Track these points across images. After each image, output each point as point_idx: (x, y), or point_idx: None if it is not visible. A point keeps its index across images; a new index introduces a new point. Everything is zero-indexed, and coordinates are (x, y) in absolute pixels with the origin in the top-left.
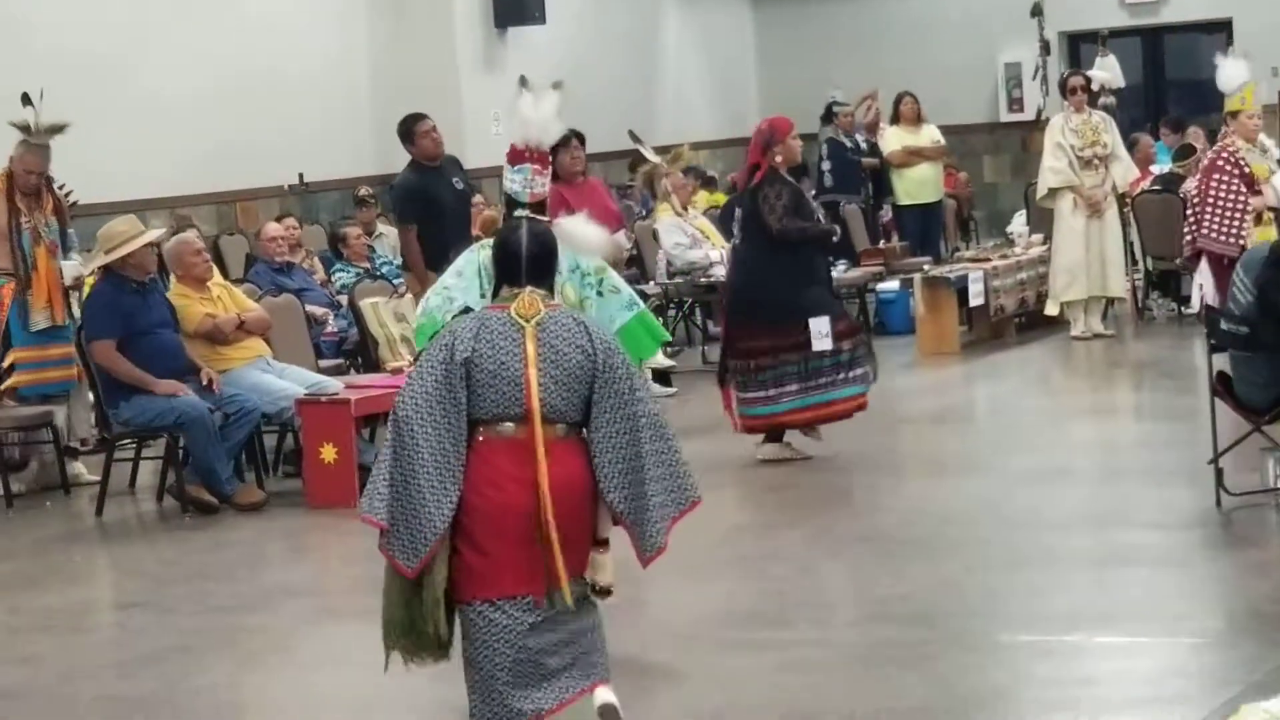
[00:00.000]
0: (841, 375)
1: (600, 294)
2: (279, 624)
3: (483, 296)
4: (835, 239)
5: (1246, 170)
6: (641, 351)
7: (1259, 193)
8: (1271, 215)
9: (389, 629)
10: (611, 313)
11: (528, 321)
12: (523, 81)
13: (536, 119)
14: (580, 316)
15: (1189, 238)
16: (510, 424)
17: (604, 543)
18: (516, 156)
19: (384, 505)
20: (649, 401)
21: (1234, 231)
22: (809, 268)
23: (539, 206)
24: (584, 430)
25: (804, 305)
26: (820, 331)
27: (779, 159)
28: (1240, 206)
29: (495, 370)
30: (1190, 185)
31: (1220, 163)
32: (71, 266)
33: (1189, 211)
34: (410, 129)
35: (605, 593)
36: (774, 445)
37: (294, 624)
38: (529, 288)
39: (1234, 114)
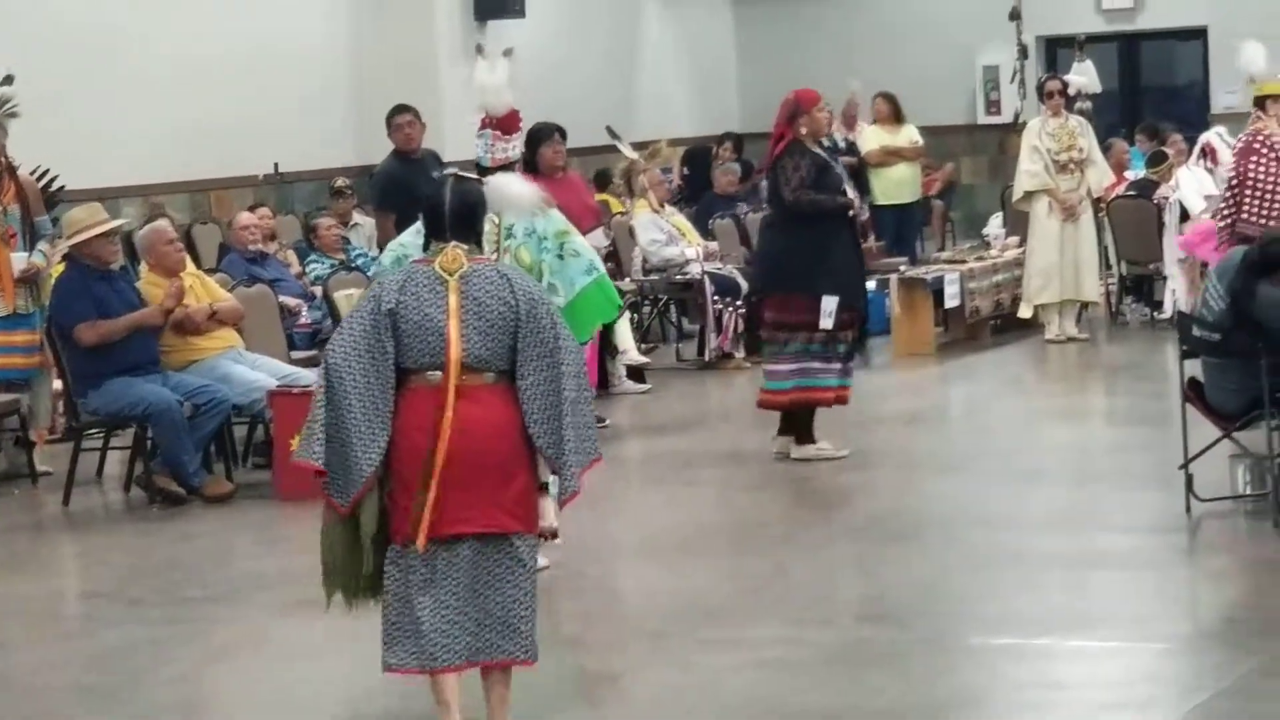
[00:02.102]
0: (835, 364)
1: (561, 257)
2: (248, 616)
3: None
4: (853, 212)
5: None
6: (601, 316)
7: None
8: None
9: (329, 572)
10: (571, 276)
11: (451, 275)
12: (478, 49)
13: (490, 84)
14: (505, 269)
15: (1227, 221)
16: (437, 372)
17: (543, 488)
18: (481, 123)
19: (320, 448)
20: (573, 351)
21: (1273, 215)
22: (826, 244)
23: (504, 171)
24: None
25: (815, 280)
26: (828, 310)
27: (804, 130)
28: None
29: (420, 321)
30: (1220, 169)
31: (1257, 145)
32: (20, 258)
33: (1227, 194)
34: (389, 119)
35: (551, 536)
36: (808, 446)
37: (263, 616)
38: (453, 242)
39: (1270, 98)
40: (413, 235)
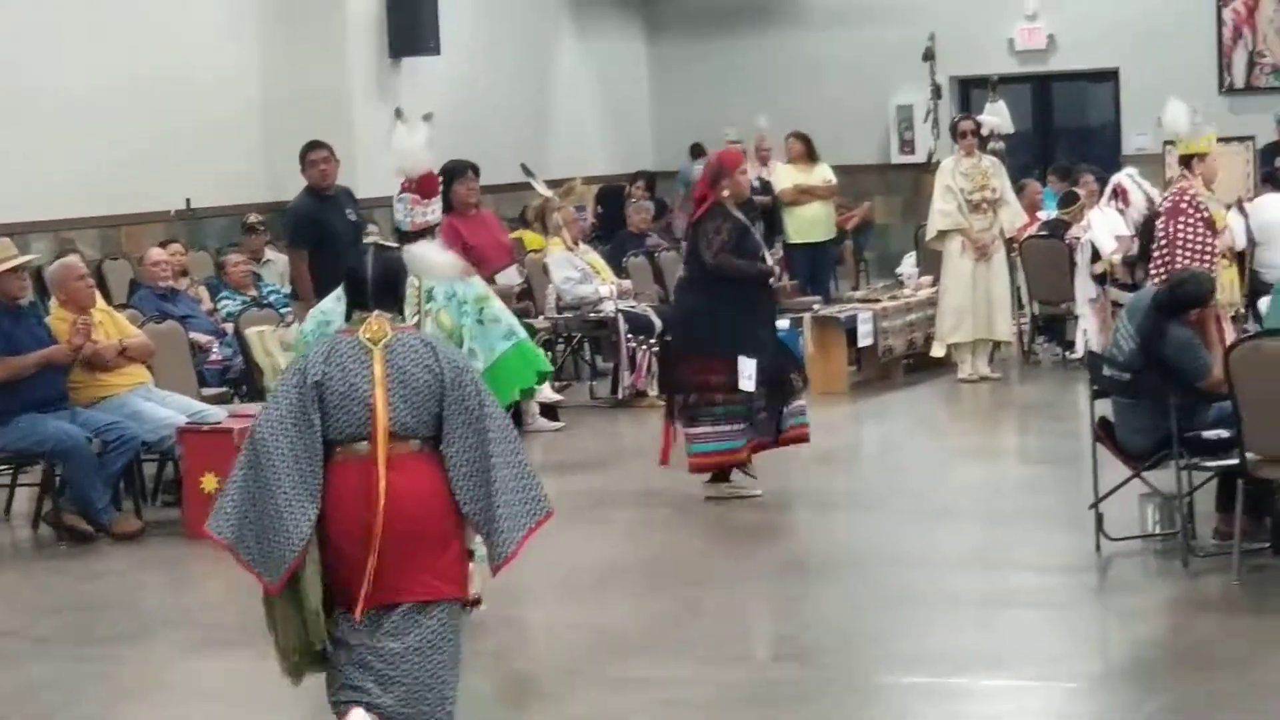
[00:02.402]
0: (741, 425)
1: (480, 322)
2: (156, 655)
3: None
4: (773, 279)
5: (1206, 214)
6: (519, 381)
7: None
8: (1228, 258)
9: (285, 654)
10: (491, 341)
11: (375, 344)
12: (398, 113)
13: (409, 148)
14: (428, 338)
15: (1161, 279)
16: (364, 443)
17: (470, 554)
18: (401, 187)
19: (229, 524)
20: (499, 417)
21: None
22: (746, 306)
23: (422, 236)
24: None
25: (735, 342)
26: (746, 373)
27: (725, 193)
28: (1209, 248)
29: (346, 392)
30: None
31: (1184, 204)
32: None
33: (1156, 253)
34: (303, 156)
35: (475, 603)
36: (721, 484)
37: (172, 654)
38: (376, 311)
39: (1197, 156)
40: (334, 302)
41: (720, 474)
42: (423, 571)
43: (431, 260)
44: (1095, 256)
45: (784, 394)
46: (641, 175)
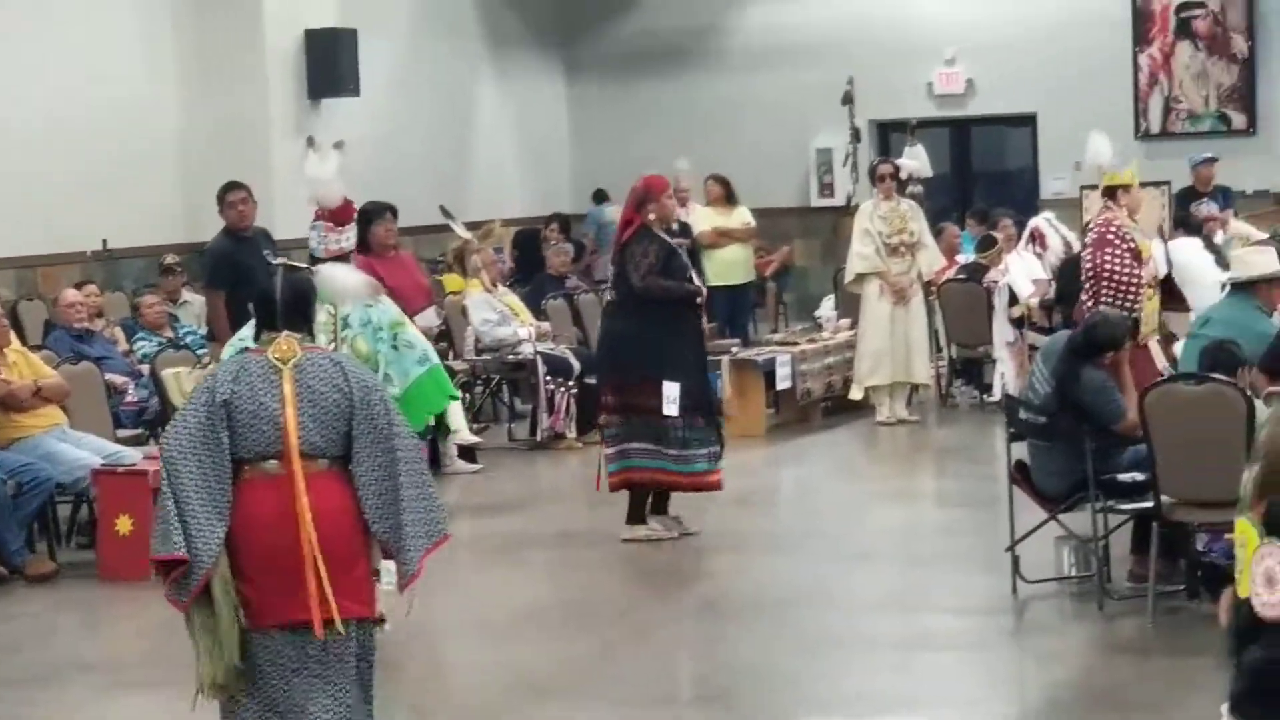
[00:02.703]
0: (692, 451)
1: (395, 348)
2: (69, 698)
3: None
4: (700, 300)
5: (1133, 244)
6: (432, 406)
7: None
8: (1153, 288)
9: (206, 675)
10: (406, 366)
11: (285, 364)
12: (310, 142)
13: (321, 177)
14: (338, 358)
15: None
16: (273, 461)
17: (375, 573)
18: (315, 214)
19: (180, 538)
20: (407, 437)
21: (1130, 305)
22: (674, 329)
23: (336, 263)
24: (348, 464)
25: (661, 367)
26: (670, 397)
27: (652, 216)
28: (1135, 280)
29: (255, 411)
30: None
31: (1111, 235)
32: None
33: (1087, 284)
34: (221, 196)
35: (380, 622)
36: (639, 527)
37: (85, 698)
38: (285, 332)
39: (1120, 189)
40: (250, 329)
41: (638, 516)
42: (333, 592)
43: (341, 281)
44: (1013, 300)
45: (709, 422)
46: (556, 217)
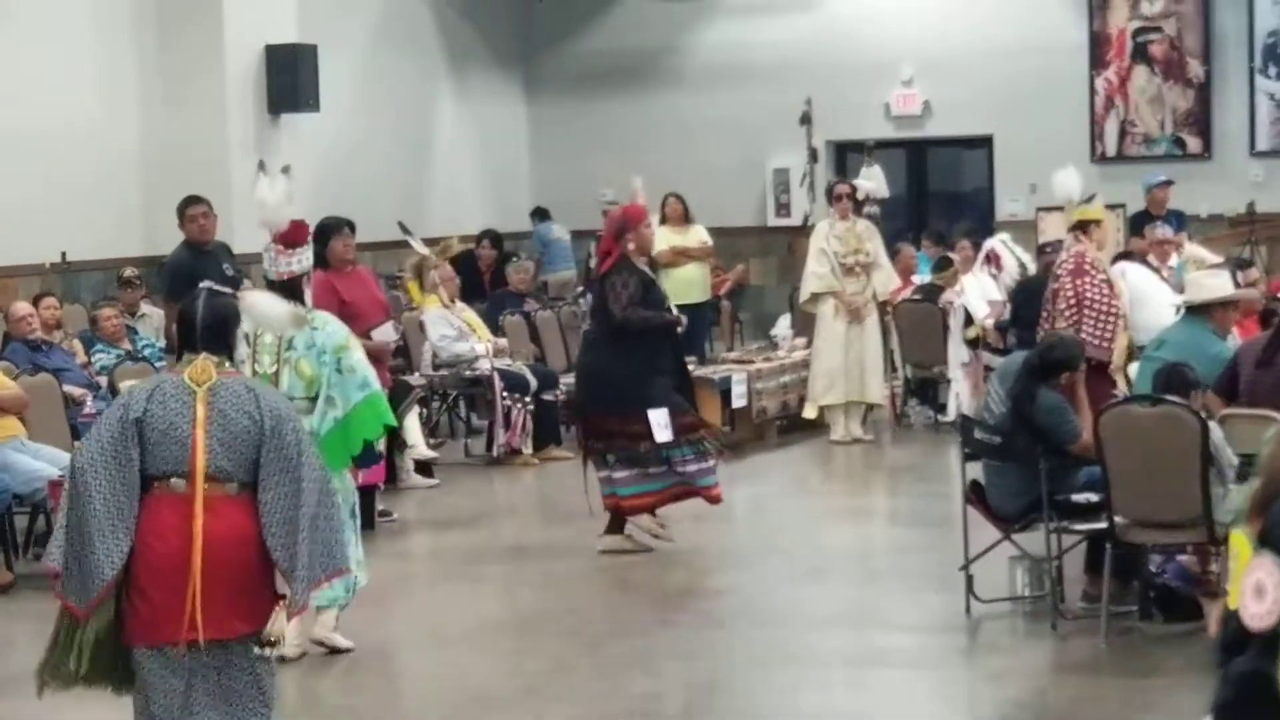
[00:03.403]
0: (687, 468)
1: (339, 371)
2: (26, 710)
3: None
4: (680, 329)
5: (1105, 276)
6: (369, 432)
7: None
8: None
9: (43, 667)
10: (348, 391)
11: (200, 386)
12: (260, 166)
13: (270, 201)
14: (253, 384)
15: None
16: (180, 480)
17: (281, 597)
18: (271, 236)
19: (60, 552)
20: (316, 468)
21: (1109, 335)
22: (653, 357)
23: (290, 286)
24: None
25: (645, 395)
26: (659, 423)
27: (631, 246)
28: (1114, 308)
29: (166, 430)
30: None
31: (1086, 265)
32: None
33: (1068, 312)
34: (182, 211)
35: (271, 644)
36: (615, 537)
37: (41, 709)
38: (204, 354)
39: (1091, 222)
40: None
41: (616, 527)
42: (226, 612)
43: (265, 310)
44: (968, 321)
45: (696, 438)
46: (487, 234)
